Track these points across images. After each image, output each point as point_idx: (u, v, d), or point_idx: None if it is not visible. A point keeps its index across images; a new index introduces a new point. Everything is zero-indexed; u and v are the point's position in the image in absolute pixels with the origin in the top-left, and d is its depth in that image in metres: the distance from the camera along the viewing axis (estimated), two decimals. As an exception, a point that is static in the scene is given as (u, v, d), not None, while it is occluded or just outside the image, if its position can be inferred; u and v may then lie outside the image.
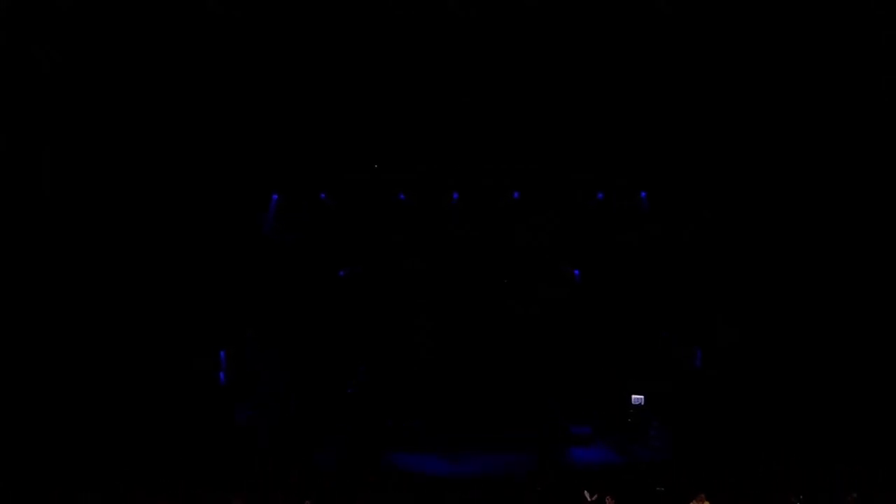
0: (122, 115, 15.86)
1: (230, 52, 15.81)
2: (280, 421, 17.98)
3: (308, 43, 15.96)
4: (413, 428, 18.71)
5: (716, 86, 16.16)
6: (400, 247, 19.32)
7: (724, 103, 16.36)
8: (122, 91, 15.65)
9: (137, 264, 16.29)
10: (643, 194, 18.62)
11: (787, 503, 13.04)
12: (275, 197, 18.37)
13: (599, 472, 16.29)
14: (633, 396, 18.37)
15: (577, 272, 19.66)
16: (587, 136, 17.62)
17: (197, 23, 15.32)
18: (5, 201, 14.94)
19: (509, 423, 18.72)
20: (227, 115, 16.69)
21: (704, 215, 17.56)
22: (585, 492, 12.60)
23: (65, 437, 14.89)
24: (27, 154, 15.18)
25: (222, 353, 17.43)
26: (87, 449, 14.92)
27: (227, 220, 17.49)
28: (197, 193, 16.93)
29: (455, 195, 18.88)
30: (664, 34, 15.41)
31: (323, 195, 18.59)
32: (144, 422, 15.63)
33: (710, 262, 17.59)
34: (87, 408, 15.32)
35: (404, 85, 16.81)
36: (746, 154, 16.72)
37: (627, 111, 17.11)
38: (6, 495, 13.53)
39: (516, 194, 18.76)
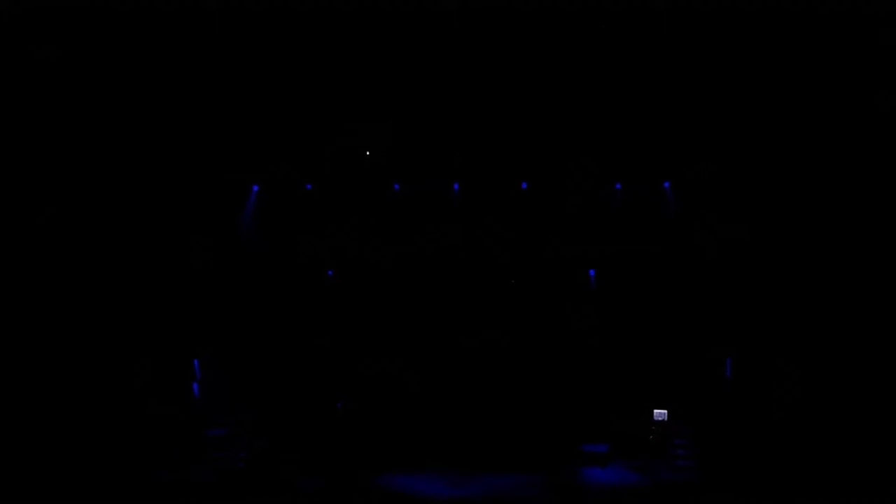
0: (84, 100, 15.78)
1: (206, 28, 15.64)
2: (258, 442, 17.35)
3: (293, 17, 15.70)
4: (409, 438, 18.06)
5: (740, 72, 16.04)
6: (396, 244, 18.67)
7: (750, 93, 16.20)
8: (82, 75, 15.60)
9: (112, 265, 16.24)
10: (667, 185, 17.94)
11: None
12: (255, 188, 17.75)
13: (617, 495, 15.62)
14: (656, 411, 17.60)
15: (592, 272, 18.87)
16: (603, 121, 17.16)
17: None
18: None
19: (515, 436, 18.03)
20: (205, 100, 16.49)
21: (727, 211, 17.19)
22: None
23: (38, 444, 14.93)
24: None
25: (196, 363, 16.91)
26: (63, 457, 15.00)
27: (205, 215, 17.30)
28: (165, 185, 16.78)
29: (456, 186, 18.29)
30: (680, 17, 15.46)
31: (309, 186, 18.00)
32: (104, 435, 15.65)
33: (736, 261, 17.15)
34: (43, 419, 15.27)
35: (400, 64, 16.44)
36: (777, 144, 16.43)
37: (647, 94, 16.70)
38: None
39: (524, 185, 18.19)
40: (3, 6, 14.56)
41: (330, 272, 18.81)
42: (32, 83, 15.24)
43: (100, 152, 16.24)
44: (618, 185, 18.08)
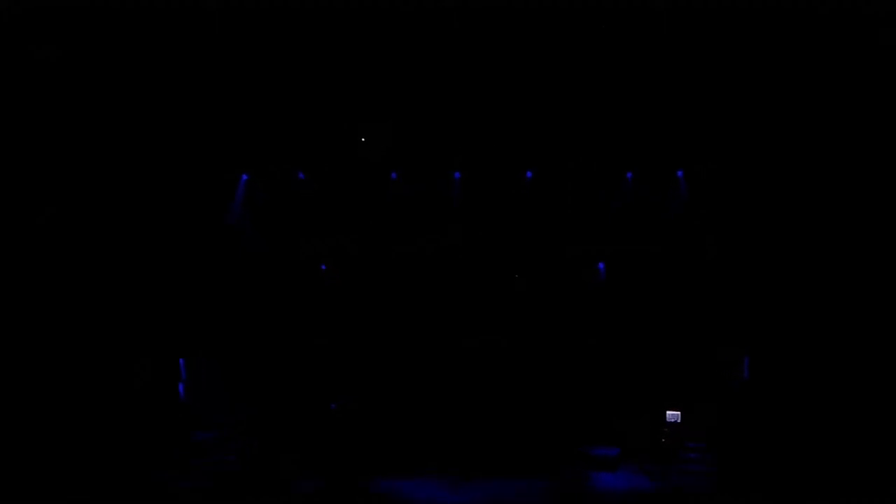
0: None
1: (206, 28, 15.55)
2: (250, 444, 17.14)
3: (296, 16, 15.53)
4: (408, 441, 17.84)
5: (745, 68, 15.95)
6: (392, 236, 18.38)
7: (758, 87, 16.11)
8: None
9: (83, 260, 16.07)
10: (680, 173, 17.63)
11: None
12: (244, 177, 17.50)
13: (627, 501, 15.35)
14: (669, 412, 17.24)
15: (601, 265, 18.56)
16: (613, 106, 16.88)
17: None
18: None
19: (520, 439, 17.77)
20: (205, 99, 16.42)
21: (741, 205, 17.02)
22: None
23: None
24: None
25: (181, 362, 16.68)
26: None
27: (188, 206, 17.13)
28: (163, 183, 16.76)
29: (457, 175, 17.98)
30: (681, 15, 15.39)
31: (301, 175, 17.75)
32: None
33: (758, 254, 16.91)
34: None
35: (397, 45, 16.12)
36: (790, 139, 16.33)
37: (660, 76, 16.43)
38: None
39: (529, 174, 17.88)
40: (3, 6, 14.71)
41: (323, 266, 18.57)
42: (32, 83, 15.33)
43: (99, 152, 16.22)
44: (629, 175, 17.76)
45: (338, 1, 15.19)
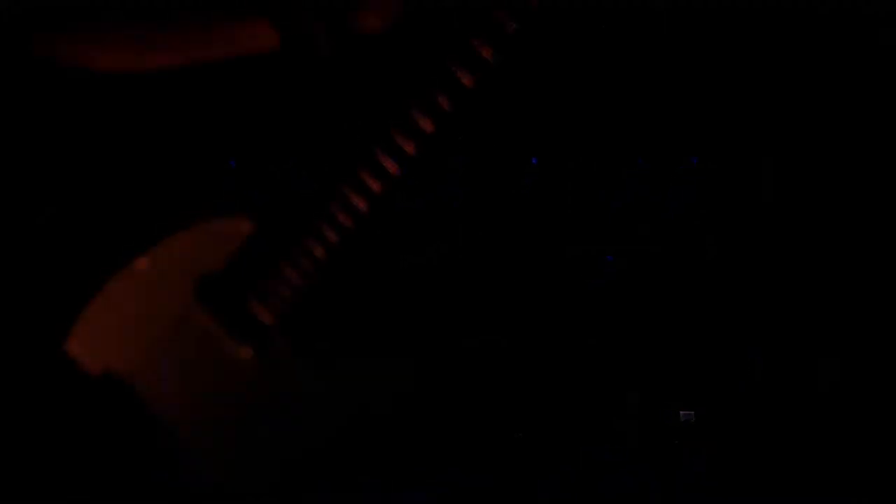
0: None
1: None
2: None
3: None
4: (406, 444, 16.68)
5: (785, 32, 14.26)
6: (389, 228, 17.29)
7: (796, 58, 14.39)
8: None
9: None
10: (694, 160, 16.37)
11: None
12: (232, 164, 16.45)
13: None
14: (682, 412, 16.02)
15: (609, 258, 17.31)
16: (623, 87, 15.41)
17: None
18: None
19: (523, 443, 16.58)
20: (186, 78, 15.02)
21: (760, 196, 15.53)
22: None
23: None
24: None
25: None
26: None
27: (186, 204, 15.84)
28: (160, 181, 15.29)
29: (458, 160, 16.76)
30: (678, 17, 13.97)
31: (297, 168, 16.64)
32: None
33: (771, 251, 15.40)
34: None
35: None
36: (806, 128, 14.72)
37: (675, 54, 14.98)
38: None
39: (534, 160, 16.58)
40: (2, 6, 14.09)
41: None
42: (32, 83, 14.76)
43: (97, 150, 15.49)
44: (640, 161, 16.84)
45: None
